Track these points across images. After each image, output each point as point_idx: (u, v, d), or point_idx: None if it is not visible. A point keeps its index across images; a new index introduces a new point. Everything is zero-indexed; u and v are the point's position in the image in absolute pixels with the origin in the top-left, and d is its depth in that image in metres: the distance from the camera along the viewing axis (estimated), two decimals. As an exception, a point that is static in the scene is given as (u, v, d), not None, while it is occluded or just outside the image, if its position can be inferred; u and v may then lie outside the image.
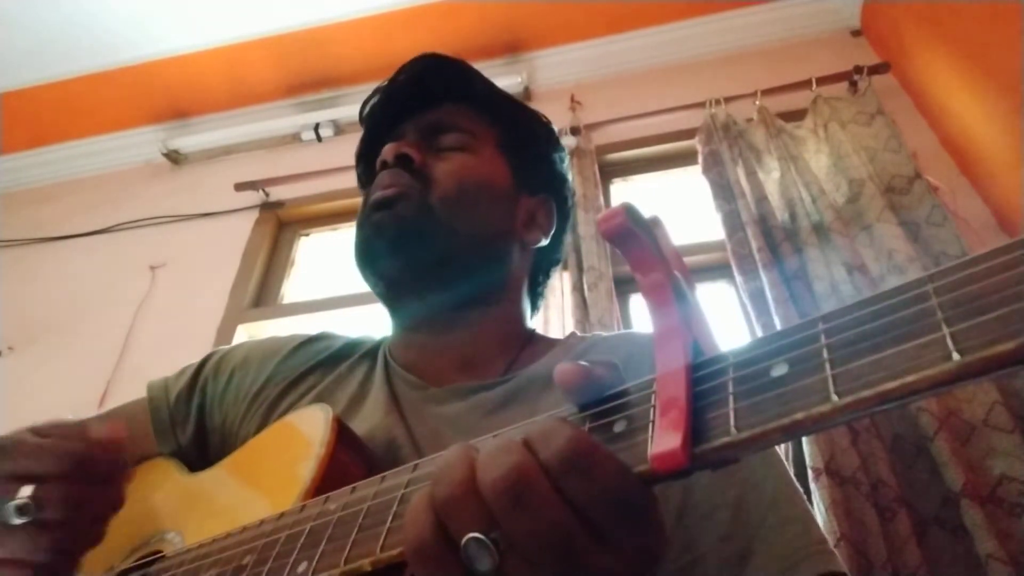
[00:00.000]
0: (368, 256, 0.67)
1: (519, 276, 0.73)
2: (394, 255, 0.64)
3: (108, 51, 2.17)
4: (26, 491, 0.45)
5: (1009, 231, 1.45)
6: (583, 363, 0.32)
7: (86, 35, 2.11)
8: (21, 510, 0.44)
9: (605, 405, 0.31)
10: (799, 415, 0.23)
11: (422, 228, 0.64)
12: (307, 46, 2.20)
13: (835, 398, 0.23)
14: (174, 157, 2.35)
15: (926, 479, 1.12)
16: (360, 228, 0.68)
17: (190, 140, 2.33)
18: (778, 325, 1.29)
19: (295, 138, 2.29)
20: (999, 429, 1.11)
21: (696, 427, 0.26)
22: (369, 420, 0.62)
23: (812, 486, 1.09)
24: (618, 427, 0.29)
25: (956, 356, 0.20)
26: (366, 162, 0.77)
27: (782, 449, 1.20)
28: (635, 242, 0.30)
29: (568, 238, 1.61)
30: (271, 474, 0.54)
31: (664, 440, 0.26)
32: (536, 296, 0.78)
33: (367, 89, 0.81)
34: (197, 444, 0.70)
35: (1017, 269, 0.21)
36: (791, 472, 0.55)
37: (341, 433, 0.52)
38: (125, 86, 2.27)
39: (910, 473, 1.14)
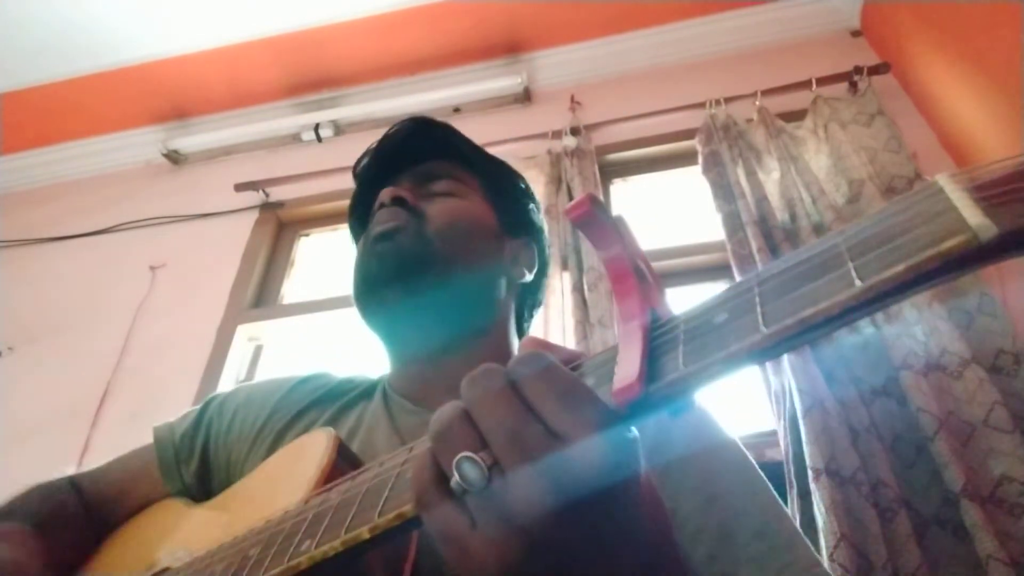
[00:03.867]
0: (372, 285, 0.71)
1: (507, 309, 0.78)
2: (397, 281, 0.69)
3: (108, 51, 2.17)
4: None
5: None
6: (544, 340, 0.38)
7: (86, 35, 2.11)
8: None
9: (578, 368, 0.35)
10: (734, 346, 0.27)
11: (422, 255, 0.69)
12: (307, 46, 2.20)
13: (763, 328, 0.27)
14: (174, 157, 2.35)
15: (926, 479, 1.12)
16: (362, 261, 0.73)
17: (190, 140, 2.33)
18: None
19: (295, 138, 2.29)
20: (999, 429, 1.11)
21: (651, 369, 0.30)
22: (370, 444, 0.65)
23: (812, 486, 1.09)
24: (588, 382, 0.33)
25: (858, 282, 0.25)
26: (358, 216, 0.83)
27: (781, 449, 1.21)
28: (598, 226, 0.34)
29: (568, 239, 1.63)
30: (274, 491, 0.55)
31: (622, 378, 0.30)
32: (521, 333, 0.83)
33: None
34: (201, 482, 0.72)
35: (907, 213, 0.25)
36: (777, 498, 0.56)
37: (342, 450, 0.54)
38: (125, 86, 2.27)
39: (910, 473, 1.14)
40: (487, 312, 0.75)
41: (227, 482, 0.69)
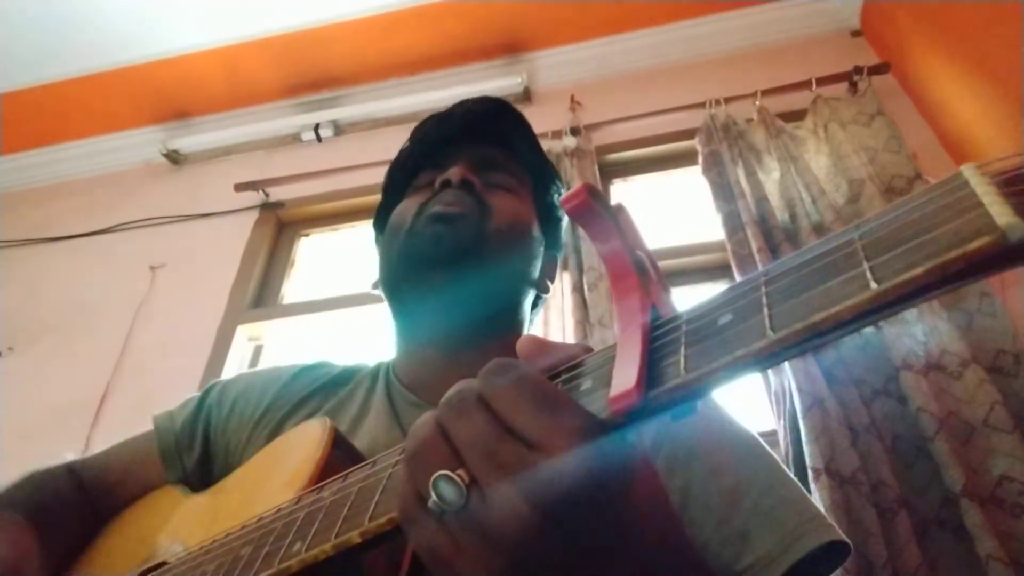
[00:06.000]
0: (418, 264, 0.69)
1: (526, 317, 0.78)
2: (445, 268, 0.67)
3: (108, 51, 2.17)
4: None
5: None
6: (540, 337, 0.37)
7: (86, 35, 2.11)
8: None
9: (575, 370, 0.34)
10: (740, 352, 0.26)
11: (477, 249, 0.68)
12: (307, 46, 2.20)
13: (771, 333, 0.25)
14: (174, 157, 2.35)
15: (926, 479, 1.12)
16: (412, 235, 0.70)
17: (190, 140, 2.33)
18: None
19: (295, 138, 2.29)
20: (999, 429, 1.11)
21: (651, 374, 0.29)
22: (371, 435, 0.64)
23: (812, 486, 1.09)
24: (585, 385, 0.32)
25: (874, 284, 0.23)
26: (404, 173, 0.82)
27: (782, 449, 1.21)
28: (596, 218, 0.33)
29: (568, 240, 1.63)
30: (269, 484, 0.54)
31: (620, 384, 0.29)
32: None
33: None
34: (202, 470, 0.72)
35: (928, 208, 0.24)
36: (785, 467, 0.57)
37: (337, 441, 0.53)
38: (125, 86, 2.27)
39: (910, 473, 1.14)
40: (513, 318, 0.75)
41: (226, 470, 0.69)
